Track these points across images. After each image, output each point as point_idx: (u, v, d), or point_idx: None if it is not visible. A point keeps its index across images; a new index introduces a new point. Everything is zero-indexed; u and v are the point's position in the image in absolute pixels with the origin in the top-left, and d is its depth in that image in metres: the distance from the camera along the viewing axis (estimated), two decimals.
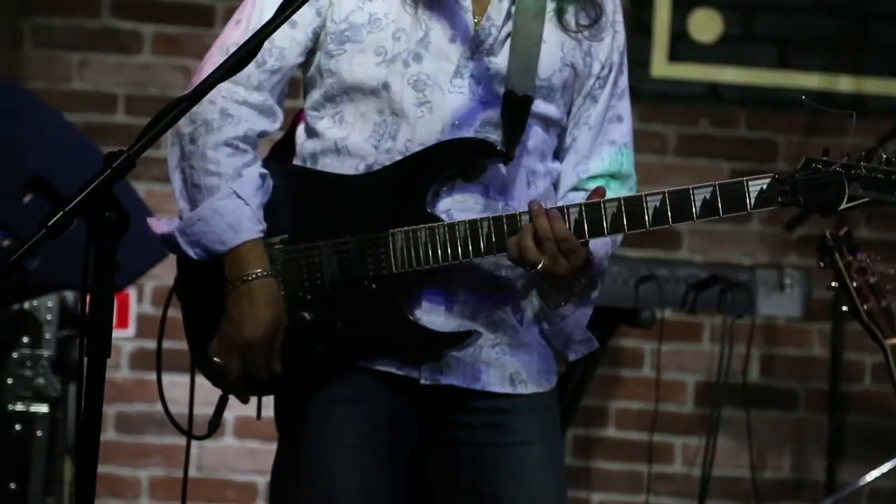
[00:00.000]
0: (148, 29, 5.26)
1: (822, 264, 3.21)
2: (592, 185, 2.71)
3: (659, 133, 5.26)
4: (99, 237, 2.14)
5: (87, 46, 5.25)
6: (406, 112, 2.65)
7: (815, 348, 5.28)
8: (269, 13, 2.52)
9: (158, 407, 5.24)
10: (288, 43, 2.68)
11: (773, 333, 5.26)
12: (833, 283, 3.19)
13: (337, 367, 2.67)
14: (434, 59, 2.65)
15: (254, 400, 2.76)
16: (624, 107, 2.79)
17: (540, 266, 2.55)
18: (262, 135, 2.72)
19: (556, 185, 2.78)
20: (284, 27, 2.58)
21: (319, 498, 2.67)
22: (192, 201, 2.68)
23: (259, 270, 2.64)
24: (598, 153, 2.76)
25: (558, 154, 2.78)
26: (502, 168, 2.66)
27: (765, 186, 2.53)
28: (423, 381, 2.67)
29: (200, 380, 2.79)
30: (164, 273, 4.73)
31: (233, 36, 2.69)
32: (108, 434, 5.12)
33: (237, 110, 2.67)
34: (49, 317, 4.02)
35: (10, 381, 3.99)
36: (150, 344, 5.40)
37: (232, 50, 2.61)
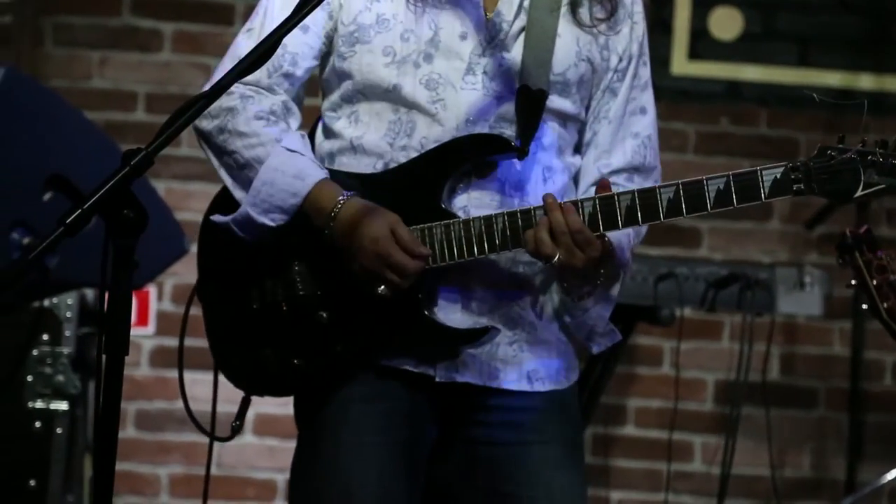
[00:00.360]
0: (168, 27, 5.28)
1: (841, 262, 3.19)
2: (615, 180, 2.70)
3: (679, 131, 5.25)
4: (117, 235, 2.14)
5: (108, 45, 5.26)
6: (420, 110, 2.65)
7: (836, 347, 5.27)
8: (279, 20, 2.55)
9: (178, 404, 5.26)
10: (300, 48, 2.69)
11: (794, 332, 5.25)
12: (853, 282, 3.16)
13: (356, 366, 2.67)
14: (445, 59, 2.65)
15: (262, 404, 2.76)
16: (647, 98, 2.78)
17: (556, 259, 2.54)
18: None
19: (576, 181, 2.77)
20: (297, 32, 2.60)
21: (337, 495, 2.68)
22: (248, 181, 2.65)
23: (340, 199, 2.61)
24: (619, 147, 2.75)
25: (579, 149, 2.78)
26: (517, 164, 2.66)
27: (779, 175, 2.50)
28: (438, 379, 2.67)
29: (221, 378, 2.80)
30: (184, 271, 4.74)
31: (244, 44, 2.71)
32: (128, 431, 5.14)
33: (256, 94, 2.68)
34: (69, 314, 4.03)
35: (30, 378, 4.01)
36: (170, 342, 5.44)
37: (242, 51, 2.64)
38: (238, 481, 5.12)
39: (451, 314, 2.65)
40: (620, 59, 2.73)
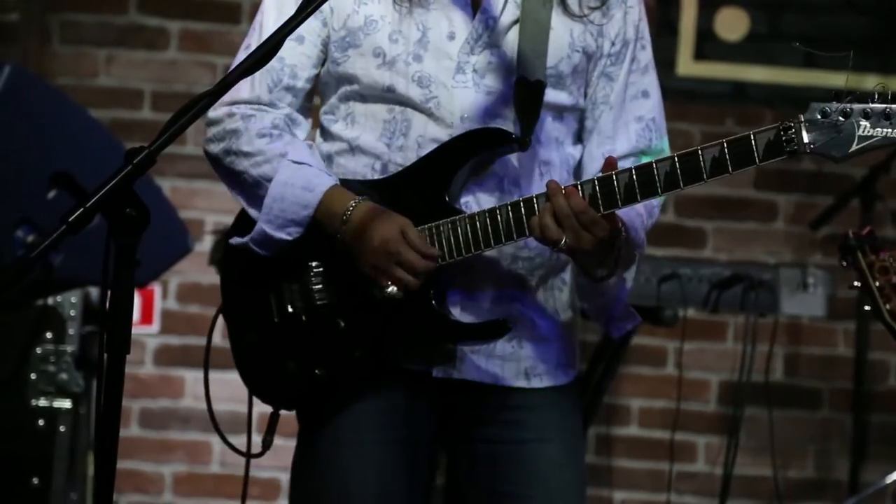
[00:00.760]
0: (174, 25, 5.28)
1: (844, 263, 3.19)
2: (622, 166, 2.71)
3: (685, 131, 5.24)
4: (119, 233, 2.14)
5: (114, 42, 5.27)
6: (415, 108, 2.66)
7: (840, 347, 5.27)
8: (268, 27, 2.62)
9: (182, 403, 5.27)
10: (298, 59, 2.70)
11: (798, 332, 5.25)
12: (855, 283, 3.16)
13: (376, 370, 2.67)
14: (434, 58, 2.65)
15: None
16: (649, 81, 2.76)
17: (563, 242, 2.52)
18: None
19: (578, 172, 2.76)
20: (293, 44, 2.62)
21: (336, 494, 2.68)
22: (260, 200, 2.67)
23: (351, 203, 2.62)
24: (623, 132, 2.74)
25: (581, 138, 2.77)
26: (515, 161, 2.66)
27: (772, 137, 2.45)
28: (435, 374, 2.67)
29: (219, 375, 2.80)
30: (189, 269, 4.75)
31: (242, 57, 2.73)
32: (132, 430, 5.14)
33: (258, 112, 2.70)
34: (73, 312, 4.03)
35: (33, 376, 4.01)
36: (174, 340, 5.44)
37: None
38: (242, 481, 5.12)
39: (452, 310, 2.65)
40: (613, 44, 2.72)
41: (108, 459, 2.14)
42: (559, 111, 2.71)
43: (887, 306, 3.12)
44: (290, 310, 2.68)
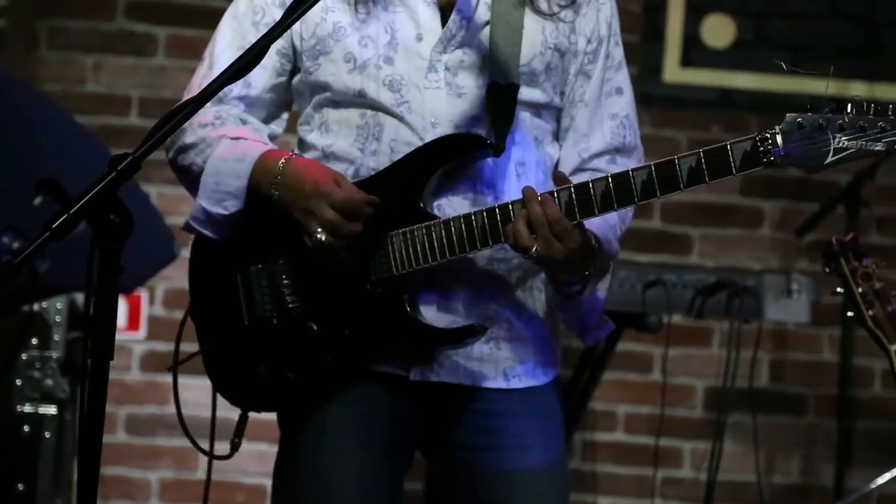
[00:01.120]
0: (162, 31, 5.29)
1: (827, 270, 3.21)
2: (597, 164, 2.71)
3: (671, 138, 5.26)
4: (104, 240, 2.15)
5: (102, 49, 5.27)
6: (386, 112, 2.67)
7: (825, 353, 5.28)
8: (224, 47, 2.68)
9: (169, 409, 5.27)
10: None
11: (784, 338, 5.26)
12: (839, 289, 3.18)
13: (347, 373, 2.68)
14: (405, 59, 2.66)
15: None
16: (622, 78, 2.78)
17: (534, 250, 2.53)
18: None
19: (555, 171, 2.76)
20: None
21: (318, 498, 2.68)
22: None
23: (282, 160, 2.63)
24: (598, 129, 2.75)
25: (559, 137, 2.78)
26: (490, 162, 2.66)
27: (748, 147, 2.45)
28: (412, 378, 2.68)
29: (205, 381, 2.80)
30: (176, 275, 4.75)
31: (196, 77, 2.77)
32: (119, 436, 5.14)
33: (203, 111, 2.70)
34: (58, 318, 4.04)
35: (18, 382, 4.01)
36: (162, 346, 5.44)
37: (195, 91, 2.66)
38: (228, 486, 5.13)
39: (427, 313, 2.66)
40: (589, 41, 2.74)
41: (91, 466, 2.15)
42: (536, 109, 2.72)
43: (870, 312, 3.14)
44: (261, 312, 2.69)
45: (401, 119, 2.66)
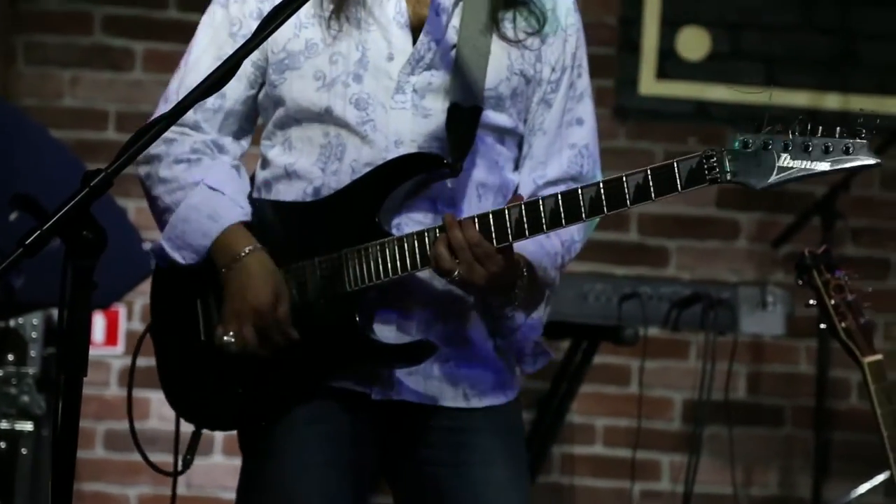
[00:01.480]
0: (139, 46, 5.29)
1: (800, 282, 3.23)
2: (550, 192, 2.73)
3: (647, 150, 5.27)
4: (76, 256, 2.15)
5: (79, 63, 5.27)
6: (350, 131, 2.67)
7: (802, 365, 5.29)
8: (199, 55, 2.69)
9: (148, 424, 5.25)
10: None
11: (761, 350, 5.28)
12: (812, 301, 3.20)
13: (300, 388, 2.68)
14: (374, 78, 2.66)
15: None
16: (584, 109, 2.79)
17: (456, 274, 2.55)
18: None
19: None
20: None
21: None
22: (166, 224, 2.71)
23: (248, 247, 2.65)
24: (556, 158, 2.76)
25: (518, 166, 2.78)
26: (450, 182, 2.67)
27: (694, 165, 2.47)
28: (374, 397, 2.68)
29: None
30: None
31: (171, 85, 2.77)
32: (97, 451, 5.12)
33: (180, 136, 2.72)
34: (34, 334, 4.03)
35: None
36: (140, 361, 5.41)
37: (171, 98, 2.70)
38: (207, 501, 5.12)
39: (387, 333, 2.67)
40: (553, 70, 2.75)
41: (65, 483, 2.14)
42: (500, 133, 2.73)
43: (843, 324, 3.15)
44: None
45: (364, 138, 2.66)
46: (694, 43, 5.30)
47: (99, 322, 5.14)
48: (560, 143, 2.76)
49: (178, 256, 2.69)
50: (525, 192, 2.74)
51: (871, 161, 2.46)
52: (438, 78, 2.67)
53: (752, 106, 5.25)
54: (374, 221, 2.63)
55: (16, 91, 5.22)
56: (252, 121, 2.81)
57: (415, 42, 2.67)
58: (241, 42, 2.64)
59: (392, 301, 2.67)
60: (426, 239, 2.60)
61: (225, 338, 2.65)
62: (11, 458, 3.98)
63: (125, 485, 5.17)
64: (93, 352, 4.81)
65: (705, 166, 2.47)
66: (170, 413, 2.88)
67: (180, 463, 2.80)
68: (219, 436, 5.03)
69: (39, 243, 2.10)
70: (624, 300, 4.20)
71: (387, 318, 2.67)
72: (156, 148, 2.69)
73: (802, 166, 2.45)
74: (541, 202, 2.54)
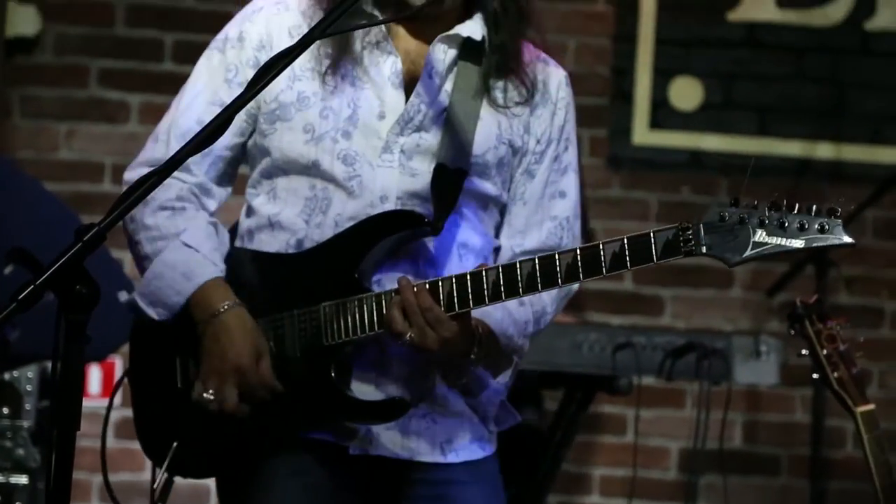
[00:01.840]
0: (135, 99, 5.31)
1: (792, 332, 3.24)
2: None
3: (641, 200, 5.29)
4: (70, 310, 2.16)
5: (75, 116, 5.29)
6: (337, 184, 2.68)
7: (798, 414, 5.29)
8: (194, 96, 2.69)
9: (144, 476, 5.22)
10: None
11: (756, 399, 5.28)
12: (803, 351, 3.21)
13: (276, 440, 2.68)
14: (363, 136, 2.67)
15: None
16: (567, 183, 2.80)
17: (407, 337, 2.56)
18: (201, 206, 2.76)
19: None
20: (214, 109, 2.65)
21: None
22: (143, 270, 2.72)
23: (226, 303, 2.66)
24: (536, 229, 2.77)
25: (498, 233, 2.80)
26: (432, 241, 2.68)
27: (670, 237, 2.48)
28: (351, 452, 2.68)
29: None
30: None
31: (164, 121, 2.78)
32: None
33: (167, 181, 2.70)
34: (29, 387, 4.03)
35: None
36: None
37: (161, 138, 2.72)
38: None
39: (366, 387, 2.67)
40: (538, 142, 2.76)
41: None
42: (483, 201, 2.74)
43: (835, 374, 3.16)
44: (193, 377, 2.70)
45: (350, 192, 2.67)
46: (686, 93, 5.33)
47: (95, 374, 5.13)
48: (541, 214, 2.78)
49: (151, 312, 2.69)
50: (504, 258, 2.75)
51: (846, 240, 2.48)
52: (427, 140, 2.68)
53: (745, 154, 5.32)
54: (354, 277, 2.64)
55: (12, 144, 5.23)
56: (237, 167, 2.81)
57: (407, 104, 2.69)
58: (235, 88, 2.67)
59: (370, 356, 2.67)
60: (364, 305, 2.61)
61: (204, 395, 2.65)
62: None
63: None
64: (89, 403, 4.81)
65: (681, 238, 2.48)
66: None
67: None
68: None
69: (33, 298, 2.11)
70: (618, 350, 4.19)
71: (364, 373, 2.67)
72: None
73: (777, 243, 2.47)
74: (518, 265, 2.55)
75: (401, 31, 2.73)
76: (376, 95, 2.69)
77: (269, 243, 2.72)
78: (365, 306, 2.62)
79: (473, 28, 2.71)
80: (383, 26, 2.69)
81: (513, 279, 2.55)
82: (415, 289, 2.56)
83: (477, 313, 2.61)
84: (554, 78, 2.78)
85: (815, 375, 3.19)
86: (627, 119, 5.29)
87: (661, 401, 5.17)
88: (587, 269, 2.52)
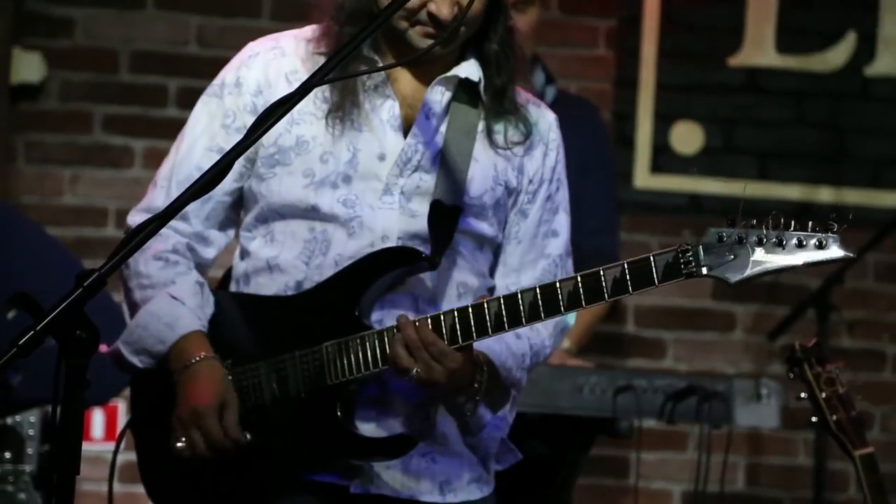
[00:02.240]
0: (139, 144, 5.33)
1: (791, 375, 3.24)
2: None
3: (643, 243, 5.30)
4: (70, 355, 2.17)
5: (79, 161, 5.31)
6: (337, 226, 2.69)
7: (800, 457, 5.28)
8: (192, 143, 2.71)
9: None
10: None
11: (758, 442, 5.27)
12: (802, 394, 3.21)
13: (280, 482, 2.69)
14: (363, 180, 2.69)
15: None
16: (560, 222, 2.83)
17: (414, 372, 2.58)
18: (198, 259, 2.78)
19: None
20: (213, 155, 2.66)
21: None
22: (130, 318, 2.74)
23: (201, 354, 2.68)
24: (530, 267, 2.80)
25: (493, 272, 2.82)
26: (431, 280, 2.70)
27: (670, 259, 2.50)
28: (353, 490, 2.69)
29: None
30: None
31: (164, 167, 2.80)
32: None
33: (164, 231, 2.71)
34: (31, 432, 4.03)
35: None
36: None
37: (161, 185, 2.75)
38: None
39: (366, 426, 2.68)
40: (531, 182, 2.79)
41: None
42: (479, 241, 2.76)
43: (834, 417, 3.17)
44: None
45: (350, 232, 2.69)
46: (687, 137, 5.35)
47: (98, 418, 5.13)
48: (535, 253, 2.80)
49: (136, 361, 2.72)
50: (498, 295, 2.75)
51: (843, 254, 2.49)
52: (427, 182, 2.70)
53: (745, 198, 5.32)
54: (354, 315, 2.65)
55: (16, 189, 5.25)
56: (238, 211, 2.83)
57: (405, 145, 2.71)
58: (233, 134, 2.69)
59: (371, 394, 2.68)
60: (367, 343, 2.63)
61: (178, 444, 2.67)
62: None
63: None
64: (92, 447, 4.83)
65: (681, 260, 2.50)
66: None
67: None
68: None
69: (33, 343, 2.12)
70: (619, 392, 4.19)
71: (367, 411, 2.69)
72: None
73: (777, 260, 2.48)
74: (519, 295, 2.57)
75: (400, 74, 2.75)
76: (375, 138, 2.71)
77: (268, 286, 2.74)
78: (367, 344, 2.63)
79: (470, 70, 2.74)
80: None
81: (515, 309, 2.56)
82: (416, 324, 2.57)
83: (475, 347, 2.63)
84: (545, 120, 2.82)
85: (813, 419, 3.20)
86: (629, 163, 5.32)
87: (663, 444, 5.17)
88: (589, 295, 2.53)
